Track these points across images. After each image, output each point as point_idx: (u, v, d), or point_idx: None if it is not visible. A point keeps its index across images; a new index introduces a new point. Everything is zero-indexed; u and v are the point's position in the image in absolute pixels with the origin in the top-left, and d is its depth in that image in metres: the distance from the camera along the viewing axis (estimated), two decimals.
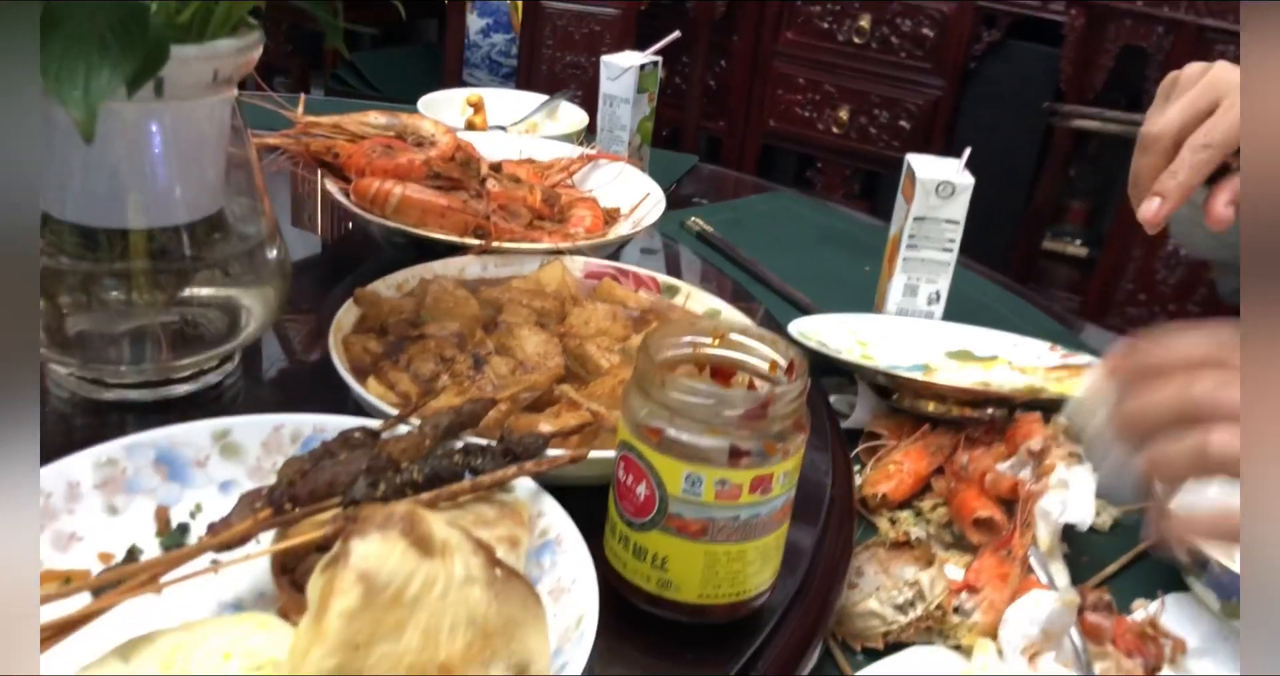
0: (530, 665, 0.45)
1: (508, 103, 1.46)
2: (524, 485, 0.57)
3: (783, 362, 0.56)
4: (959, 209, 1.04)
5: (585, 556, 0.52)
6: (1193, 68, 0.75)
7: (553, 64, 2.65)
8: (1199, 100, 0.72)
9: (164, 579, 0.46)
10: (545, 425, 0.63)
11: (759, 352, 0.57)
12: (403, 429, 0.59)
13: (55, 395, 0.70)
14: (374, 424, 0.59)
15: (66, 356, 0.66)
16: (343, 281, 0.93)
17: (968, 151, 1.08)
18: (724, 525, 0.53)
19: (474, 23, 3.11)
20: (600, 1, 2.60)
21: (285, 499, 0.50)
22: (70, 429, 0.68)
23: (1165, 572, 0.76)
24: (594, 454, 0.58)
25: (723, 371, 0.58)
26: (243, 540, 0.49)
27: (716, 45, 2.69)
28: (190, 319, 0.69)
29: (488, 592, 0.44)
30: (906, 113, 2.49)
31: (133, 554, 0.54)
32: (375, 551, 0.41)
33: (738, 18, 2.65)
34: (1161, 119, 0.73)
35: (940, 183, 1.03)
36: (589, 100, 1.43)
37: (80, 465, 0.54)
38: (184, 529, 0.56)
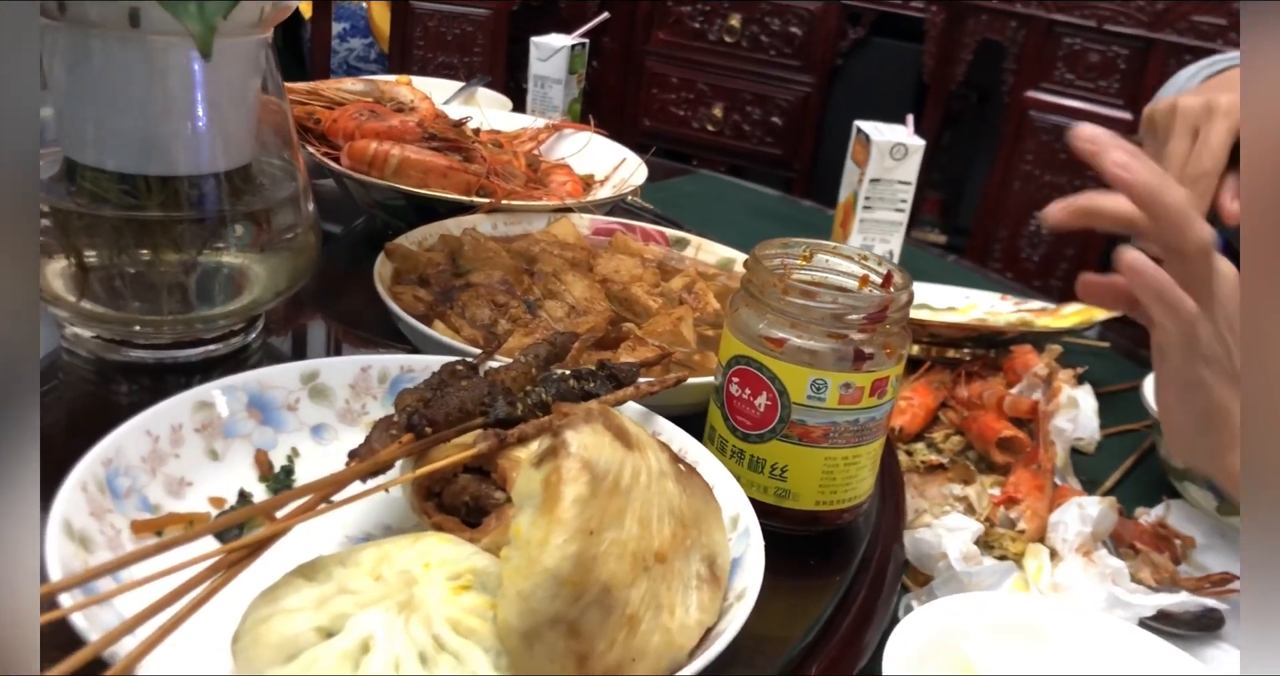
0: (717, 557, 0.46)
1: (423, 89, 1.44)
2: (632, 408, 0.57)
3: (875, 277, 0.58)
4: (911, 170, 1.10)
5: (716, 461, 0.53)
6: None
7: (425, 65, 2.62)
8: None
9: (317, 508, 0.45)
10: (627, 357, 0.63)
11: (845, 271, 0.59)
12: (489, 365, 0.58)
13: (73, 361, 0.65)
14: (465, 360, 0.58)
15: (93, 311, 0.62)
16: (337, 244, 0.90)
17: (911, 118, 1.14)
18: (844, 429, 0.55)
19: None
20: (471, 2, 2.59)
21: (424, 423, 0.49)
22: (95, 394, 0.64)
23: (1156, 483, 0.83)
24: (692, 379, 0.59)
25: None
26: (390, 464, 0.48)
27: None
28: (221, 272, 0.66)
29: (678, 486, 0.45)
30: (778, 109, 2.57)
31: (245, 497, 0.51)
32: (590, 441, 0.41)
33: (609, 18, 2.69)
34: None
35: (895, 145, 1.08)
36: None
37: (181, 407, 0.51)
38: (288, 472, 0.54)
